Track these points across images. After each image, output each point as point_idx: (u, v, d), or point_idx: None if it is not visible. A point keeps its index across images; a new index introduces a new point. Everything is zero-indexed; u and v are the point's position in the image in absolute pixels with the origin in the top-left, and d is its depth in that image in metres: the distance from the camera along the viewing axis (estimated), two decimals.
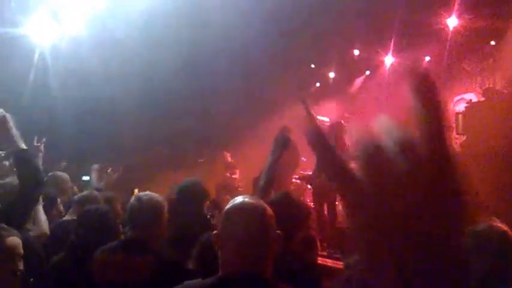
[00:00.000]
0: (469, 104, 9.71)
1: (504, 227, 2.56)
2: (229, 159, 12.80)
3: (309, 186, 9.45)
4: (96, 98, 11.74)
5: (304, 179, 9.41)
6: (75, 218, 4.15)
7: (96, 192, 4.76)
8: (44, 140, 5.63)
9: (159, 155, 12.95)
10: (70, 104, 11.41)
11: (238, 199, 2.23)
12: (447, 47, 10.88)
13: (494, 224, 2.57)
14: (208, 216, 4.43)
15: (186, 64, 11.72)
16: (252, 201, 2.21)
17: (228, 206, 2.23)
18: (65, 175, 5.60)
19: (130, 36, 10.51)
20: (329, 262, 6.17)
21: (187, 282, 2.23)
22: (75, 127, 11.64)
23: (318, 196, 8.51)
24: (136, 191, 5.74)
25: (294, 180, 11.04)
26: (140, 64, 11.50)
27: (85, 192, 4.88)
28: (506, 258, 2.48)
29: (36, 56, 10.82)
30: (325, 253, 6.96)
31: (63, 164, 8.19)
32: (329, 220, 8.23)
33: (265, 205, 2.22)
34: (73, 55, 10.73)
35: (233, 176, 12.54)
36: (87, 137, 11.88)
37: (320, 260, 5.78)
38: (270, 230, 2.14)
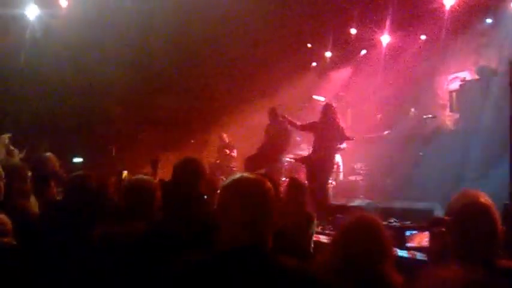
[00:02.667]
0: (463, 82, 9.75)
1: (486, 203, 2.50)
2: (227, 139, 12.87)
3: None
4: (87, 78, 11.77)
5: (299, 159, 9.54)
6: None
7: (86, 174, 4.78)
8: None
9: (149, 136, 12.95)
10: (61, 83, 11.45)
11: (237, 175, 2.25)
12: (443, 25, 10.87)
13: (477, 200, 2.51)
14: (205, 196, 4.44)
15: (177, 43, 11.75)
16: (251, 176, 2.22)
17: (226, 181, 2.24)
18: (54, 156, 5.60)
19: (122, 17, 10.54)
20: (322, 238, 6.26)
21: (186, 258, 2.24)
22: (66, 106, 11.68)
23: (311, 175, 8.84)
24: (125, 172, 5.75)
25: (288, 159, 11.15)
26: (132, 44, 11.53)
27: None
28: (487, 234, 2.45)
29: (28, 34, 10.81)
30: (318, 229, 7.08)
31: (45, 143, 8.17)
32: (321, 198, 8.45)
33: (264, 179, 2.22)
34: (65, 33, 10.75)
35: (232, 154, 12.62)
36: (77, 116, 11.90)
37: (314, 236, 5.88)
38: (269, 203, 2.15)
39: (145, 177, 3.81)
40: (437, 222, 2.52)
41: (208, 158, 12.50)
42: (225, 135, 12.94)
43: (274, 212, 2.17)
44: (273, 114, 10.66)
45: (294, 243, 4.07)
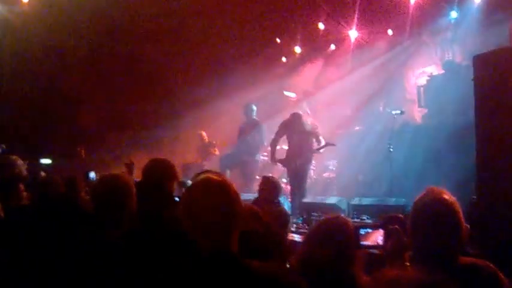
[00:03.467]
0: (430, 77, 9.88)
1: (449, 200, 2.53)
2: (207, 138, 12.71)
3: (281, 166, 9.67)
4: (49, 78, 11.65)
5: (281, 161, 9.60)
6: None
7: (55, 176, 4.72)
8: None
9: (117, 137, 12.84)
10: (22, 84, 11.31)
11: (202, 176, 2.25)
12: (408, 20, 11.02)
13: (436, 195, 2.54)
14: (176, 198, 4.42)
15: (144, 41, 11.73)
16: (215, 177, 2.22)
17: (191, 183, 2.25)
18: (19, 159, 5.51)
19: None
20: (296, 237, 6.28)
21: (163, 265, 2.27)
22: (29, 107, 11.53)
23: (292, 177, 9.14)
24: (92, 173, 5.68)
25: (263, 157, 11.19)
26: (94, 44, 11.46)
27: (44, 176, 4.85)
28: (449, 232, 2.47)
29: None
30: (293, 228, 7.12)
31: (3, 146, 8.02)
32: (299, 196, 8.74)
33: (229, 181, 2.23)
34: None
35: (216, 154, 12.42)
36: (40, 119, 11.76)
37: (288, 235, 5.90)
38: (232, 205, 2.15)
39: (119, 173, 3.67)
40: (392, 219, 2.56)
41: (185, 157, 12.40)
42: (204, 134, 12.69)
43: (240, 214, 2.18)
44: (248, 110, 10.69)
45: (268, 243, 4.08)
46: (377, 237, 2.53)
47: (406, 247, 2.49)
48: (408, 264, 2.47)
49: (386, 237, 2.49)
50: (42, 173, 6.78)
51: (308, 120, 9.06)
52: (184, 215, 2.18)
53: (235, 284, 2.04)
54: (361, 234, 2.60)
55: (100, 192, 3.44)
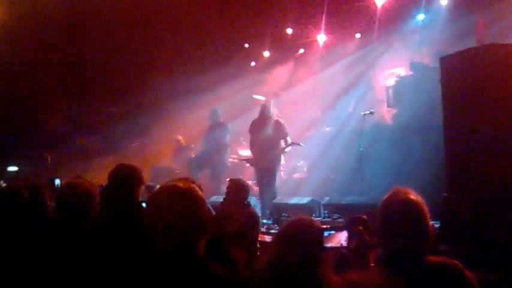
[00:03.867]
0: (398, 78, 9.99)
1: (415, 200, 2.52)
2: (183, 142, 12.57)
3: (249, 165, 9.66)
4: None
5: (248, 161, 9.59)
6: None
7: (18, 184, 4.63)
8: None
9: (85, 143, 12.68)
10: None
11: (169, 182, 2.29)
12: (376, 23, 11.14)
13: (403, 195, 2.53)
14: (143, 203, 4.37)
15: (111, 44, 11.66)
16: (181, 184, 2.25)
17: (157, 189, 2.29)
18: None
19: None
20: (267, 238, 6.26)
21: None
22: None
23: (260, 176, 9.17)
24: (57, 180, 5.62)
25: (232, 159, 11.19)
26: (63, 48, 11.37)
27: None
28: (415, 232, 2.46)
29: None
30: (263, 229, 7.11)
31: None
32: (268, 197, 8.76)
33: (195, 188, 2.26)
34: None
35: (192, 157, 12.35)
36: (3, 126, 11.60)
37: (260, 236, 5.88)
38: (197, 212, 2.18)
39: (82, 180, 3.68)
40: (355, 220, 2.55)
41: (155, 161, 12.27)
42: (180, 138, 12.55)
43: (204, 220, 2.20)
44: (213, 114, 10.73)
45: (237, 245, 4.07)
46: (341, 239, 2.52)
47: (369, 247, 2.48)
48: (372, 264, 2.46)
49: (350, 238, 2.49)
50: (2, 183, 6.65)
51: (274, 121, 9.03)
52: (149, 219, 2.21)
53: (196, 286, 2.05)
54: (325, 236, 2.59)
55: (63, 199, 3.51)
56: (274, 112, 9.16)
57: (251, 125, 9.27)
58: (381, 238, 2.56)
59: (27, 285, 3.15)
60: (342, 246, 2.50)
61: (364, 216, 2.51)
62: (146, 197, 4.42)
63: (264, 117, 9.06)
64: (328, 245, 2.54)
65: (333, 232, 2.51)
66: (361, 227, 2.53)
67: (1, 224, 3.68)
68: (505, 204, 4.93)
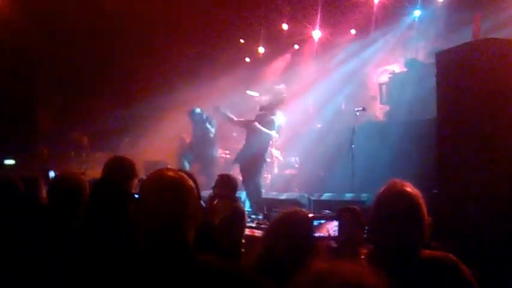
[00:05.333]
0: (392, 75, 9.99)
1: (412, 192, 2.47)
2: (188, 140, 12.52)
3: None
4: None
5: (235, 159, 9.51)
6: None
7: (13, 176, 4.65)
8: None
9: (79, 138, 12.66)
10: None
11: (157, 171, 2.24)
12: (371, 19, 11.15)
13: (399, 188, 2.48)
14: (136, 196, 4.34)
15: (106, 42, 11.68)
16: (170, 173, 2.20)
17: (146, 178, 2.24)
18: None
19: None
20: (257, 233, 6.30)
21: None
22: None
23: (244, 172, 8.84)
24: (52, 172, 5.63)
25: (223, 155, 11.19)
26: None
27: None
28: (410, 224, 2.41)
29: None
30: (253, 224, 7.13)
31: None
32: (255, 192, 8.58)
33: (185, 176, 2.20)
34: None
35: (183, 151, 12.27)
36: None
37: (249, 231, 5.91)
38: (188, 200, 2.12)
39: (73, 173, 3.72)
40: (346, 211, 2.53)
41: (148, 156, 12.22)
42: (185, 136, 12.38)
43: (193, 209, 2.15)
44: (193, 116, 10.76)
45: (223, 239, 4.06)
46: (329, 229, 2.49)
47: (358, 238, 2.45)
48: (362, 257, 2.44)
49: (340, 229, 2.46)
50: None
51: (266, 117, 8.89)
52: (137, 208, 2.17)
53: (187, 277, 2.01)
54: (314, 226, 2.57)
55: (56, 190, 3.54)
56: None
57: (248, 122, 9.05)
58: (374, 231, 2.51)
59: (20, 275, 3.13)
60: (330, 236, 2.46)
61: (356, 207, 2.48)
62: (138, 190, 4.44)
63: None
64: (317, 234, 2.51)
65: (322, 221, 2.47)
66: (350, 218, 2.50)
67: None
68: (497, 201, 4.93)
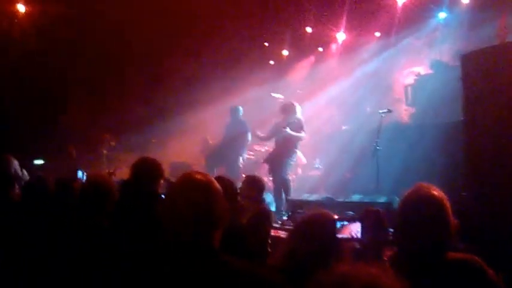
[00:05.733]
0: (417, 77, 9.94)
1: (438, 195, 2.51)
2: (211, 141, 12.52)
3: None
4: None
5: (265, 160, 9.65)
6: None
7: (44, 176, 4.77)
8: None
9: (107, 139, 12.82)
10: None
11: (185, 174, 2.31)
12: (396, 21, 11.11)
13: (425, 191, 2.52)
14: (162, 195, 4.43)
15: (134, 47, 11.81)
16: (198, 175, 2.27)
17: (175, 180, 2.31)
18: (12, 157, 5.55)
19: None
20: (281, 233, 6.30)
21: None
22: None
23: (273, 172, 9.11)
24: (80, 172, 5.71)
25: (248, 156, 11.23)
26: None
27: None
28: (437, 226, 2.45)
29: None
30: (277, 225, 7.15)
31: None
32: (283, 193, 8.78)
33: (212, 179, 2.28)
34: None
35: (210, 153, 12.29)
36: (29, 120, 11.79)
37: (273, 232, 5.92)
38: (212, 203, 2.19)
39: (102, 174, 3.83)
40: (370, 213, 2.55)
41: (173, 157, 12.32)
42: (208, 137, 12.40)
43: (220, 211, 2.21)
44: (234, 112, 10.79)
45: (250, 240, 4.10)
46: (352, 230, 2.51)
47: (382, 241, 2.47)
48: (386, 259, 2.46)
49: (363, 231, 2.48)
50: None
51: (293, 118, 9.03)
52: (165, 209, 2.24)
53: (209, 277, 2.06)
54: (338, 227, 2.59)
55: (86, 192, 3.64)
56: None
57: (276, 127, 9.29)
58: (401, 233, 2.54)
59: (53, 272, 3.22)
60: (353, 238, 2.49)
61: (380, 210, 2.50)
62: (165, 190, 4.52)
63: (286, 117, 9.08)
64: (340, 235, 2.53)
65: (345, 223, 2.49)
66: (374, 220, 2.51)
67: (27, 213, 3.80)
68: None
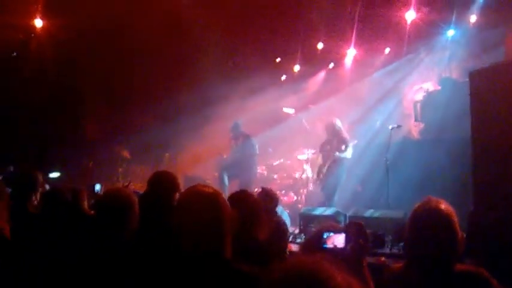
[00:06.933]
0: (426, 93, 10.02)
1: (446, 209, 2.60)
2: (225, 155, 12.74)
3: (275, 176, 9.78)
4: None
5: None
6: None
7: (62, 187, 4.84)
8: None
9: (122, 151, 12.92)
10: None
11: (193, 187, 2.43)
12: (406, 38, 11.22)
13: (434, 205, 2.62)
14: None
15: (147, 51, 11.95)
16: (206, 188, 2.38)
17: (182, 193, 2.47)
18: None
19: None
20: (294, 247, 6.36)
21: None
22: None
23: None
24: (98, 186, 5.78)
25: (260, 171, 11.30)
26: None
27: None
28: (444, 240, 2.54)
29: None
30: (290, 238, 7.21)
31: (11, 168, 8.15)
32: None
33: (219, 192, 2.39)
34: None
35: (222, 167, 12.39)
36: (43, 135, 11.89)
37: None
38: (220, 213, 2.29)
39: (121, 189, 3.86)
40: (352, 225, 2.64)
41: (181, 170, 12.43)
42: (223, 152, 12.30)
43: (228, 223, 2.29)
44: (234, 128, 10.92)
45: (267, 253, 4.17)
46: (334, 241, 2.59)
47: (363, 250, 2.56)
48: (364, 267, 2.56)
49: (347, 240, 2.59)
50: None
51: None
52: (176, 221, 2.34)
53: (220, 282, 2.15)
54: (324, 238, 2.69)
55: (104, 206, 3.61)
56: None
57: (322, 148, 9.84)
58: (410, 245, 2.65)
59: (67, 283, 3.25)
60: (336, 248, 2.59)
61: (361, 222, 2.61)
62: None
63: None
64: (326, 245, 2.63)
65: (331, 234, 2.58)
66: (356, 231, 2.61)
67: (45, 225, 3.88)
68: None
